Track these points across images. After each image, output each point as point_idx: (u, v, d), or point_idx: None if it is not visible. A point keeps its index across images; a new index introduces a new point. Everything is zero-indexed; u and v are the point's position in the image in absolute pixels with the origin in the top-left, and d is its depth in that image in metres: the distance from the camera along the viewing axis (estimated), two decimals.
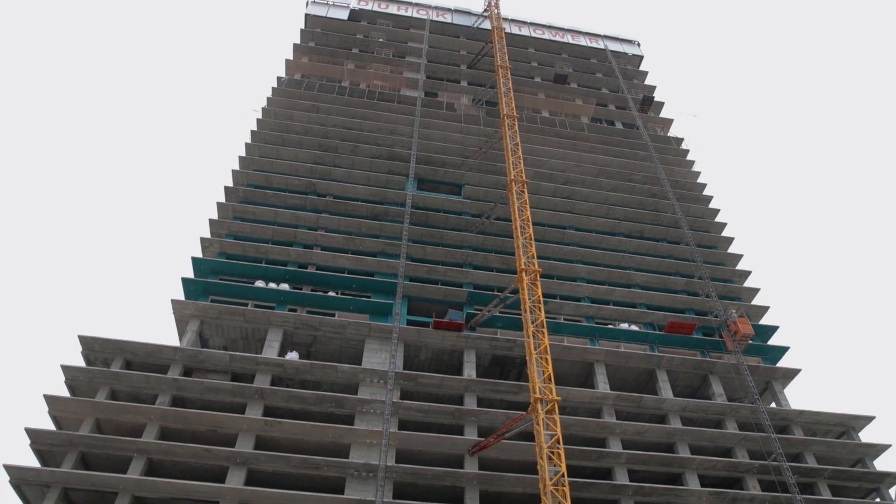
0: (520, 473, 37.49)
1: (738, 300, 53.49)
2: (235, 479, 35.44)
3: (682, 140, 70.73)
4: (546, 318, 39.79)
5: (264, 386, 39.57)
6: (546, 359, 36.98)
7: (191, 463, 36.52)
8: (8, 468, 33.79)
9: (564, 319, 49.39)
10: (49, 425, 37.56)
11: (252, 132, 59.00)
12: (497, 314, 46.11)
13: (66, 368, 38.66)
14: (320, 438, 38.10)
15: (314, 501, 35.23)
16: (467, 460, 38.46)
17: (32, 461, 36.04)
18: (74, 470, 34.88)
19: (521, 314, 39.95)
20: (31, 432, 35.69)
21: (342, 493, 35.84)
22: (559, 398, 35.22)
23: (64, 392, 38.85)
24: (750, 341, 48.39)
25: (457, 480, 37.39)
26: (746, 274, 56.38)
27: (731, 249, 59.06)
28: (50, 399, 37.28)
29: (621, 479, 39.28)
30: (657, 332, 49.43)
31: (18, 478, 34.23)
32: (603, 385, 44.36)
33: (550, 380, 35.78)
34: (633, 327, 49.86)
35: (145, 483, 34.59)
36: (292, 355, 42.80)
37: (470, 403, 41.35)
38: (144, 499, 35.19)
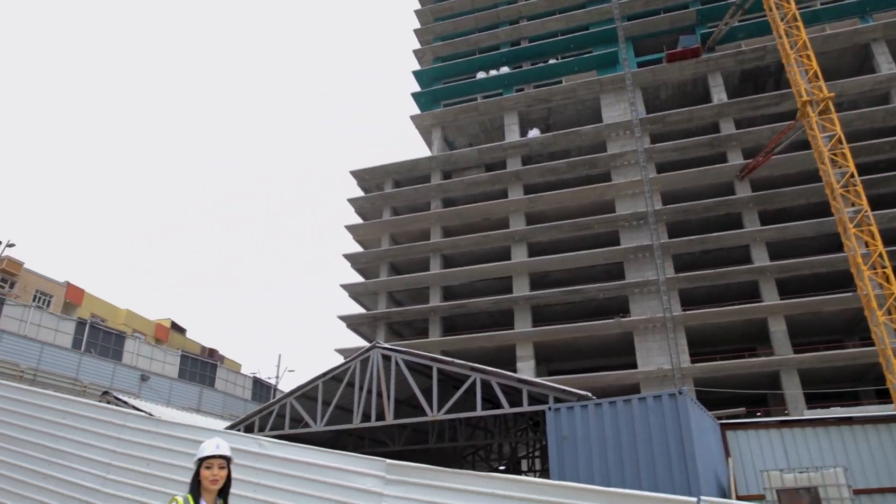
0: (799, 185, 35.56)
1: None
2: (519, 255, 39.41)
3: None
4: (797, 9, 34.40)
5: (518, 168, 41.75)
6: (807, 55, 32.62)
7: (476, 251, 41.21)
8: (345, 286, 41.82)
9: (821, 4, 42.22)
10: (358, 249, 44.87)
11: None
12: (736, 24, 41.08)
13: (352, 200, 44.85)
14: (583, 201, 39.82)
15: (594, 257, 37.87)
16: (737, 186, 37.34)
17: (359, 279, 44.00)
18: (391, 277, 41.80)
19: (765, 15, 35.05)
20: (348, 256, 43.11)
21: (619, 245, 37.90)
22: (832, 94, 31.39)
23: (357, 220, 45.56)
24: None
25: (730, 207, 36.85)
26: None
27: None
28: (350, 227, 44.09)
29: None
30: None
31: (355, 291, 42.30)
32: (886, 65, 38.18)
33: (817, 77, 31.82)
34: None
35: (448, 274, 40.24)
36: (533, 133, 43.86)
37: (727, 128, 39.05)
38: (449, 287, 41.20)
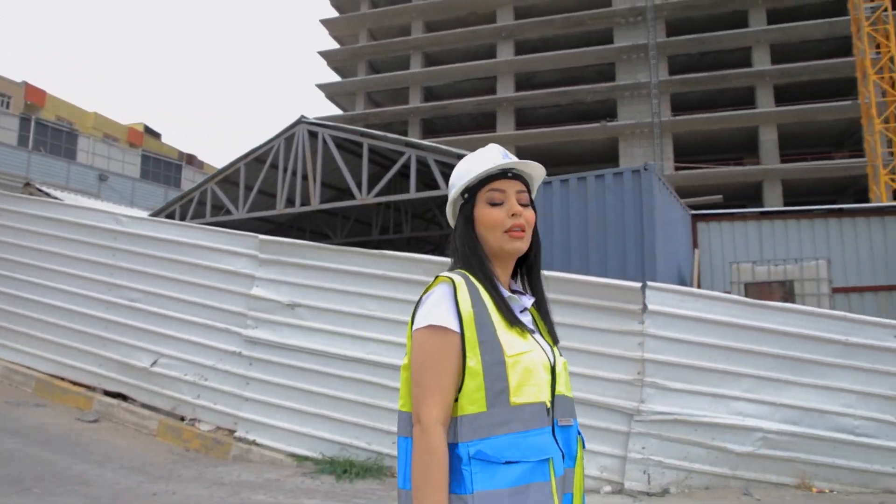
0: None
1: None
2: (506, 53, 36.61)
3: None
4: None
5: None
6: None
7: (461, 48, 38.23)
8: (321, 86, 39.29)
9: None
10: (335, 46, 41.51)
11: None
12: None
13: None
14: None
15: (584, 57, 35.19)
16: None
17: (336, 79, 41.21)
18: (369, 76, 39.09)
19: None
20: (324, 54, 40.01)
21: (612, 43, 35.03)
22: None
23: (334, 14, 41.62)
24: None
25: (738, 3, 33.48)
26: None
27: None
28: (326, 22, 40.43)
29: None
30: None
31: (331, 91, 39.90)
32: None
33: None
34: None
35: (430, 73, 37.68)
36: None
37: None
38: (430, 87, 38.74)
